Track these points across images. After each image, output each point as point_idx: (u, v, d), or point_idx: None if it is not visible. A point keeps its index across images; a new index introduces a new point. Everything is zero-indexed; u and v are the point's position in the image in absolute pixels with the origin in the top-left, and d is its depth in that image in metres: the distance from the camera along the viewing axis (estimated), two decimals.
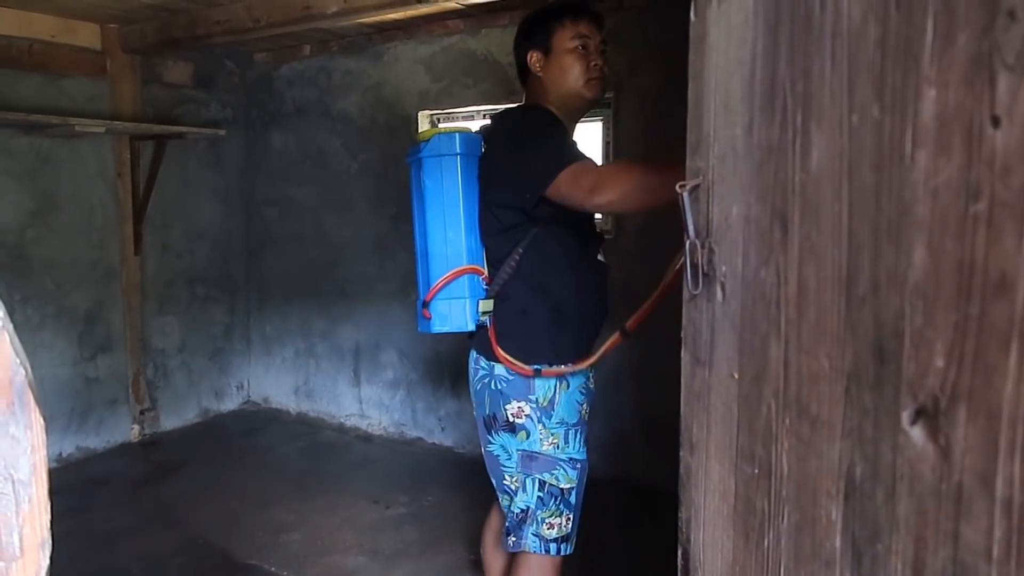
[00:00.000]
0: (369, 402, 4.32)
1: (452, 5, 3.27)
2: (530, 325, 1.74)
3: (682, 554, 1.01)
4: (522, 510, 1.76)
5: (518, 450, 1.75)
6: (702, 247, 0.93)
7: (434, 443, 4.09)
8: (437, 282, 1.73)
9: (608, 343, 1.63)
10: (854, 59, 0.62)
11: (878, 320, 0.60)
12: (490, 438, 1.80)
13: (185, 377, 4.43)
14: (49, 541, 0.65)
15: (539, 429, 1.73)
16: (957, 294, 0.51)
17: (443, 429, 4.08)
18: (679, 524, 1.02)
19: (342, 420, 4.43)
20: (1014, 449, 0.46)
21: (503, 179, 1.71)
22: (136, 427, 4.13)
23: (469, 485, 3.37)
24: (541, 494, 1.75)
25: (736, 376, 0.87)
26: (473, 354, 1.82)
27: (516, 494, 1.77)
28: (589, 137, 3.56)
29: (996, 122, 0.47)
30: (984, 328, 0.48)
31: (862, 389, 0.62)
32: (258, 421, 4.56)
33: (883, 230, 0.59)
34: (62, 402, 3.78)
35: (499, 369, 1.74)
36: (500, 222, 1.73)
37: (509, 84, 3.63)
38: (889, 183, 0.58)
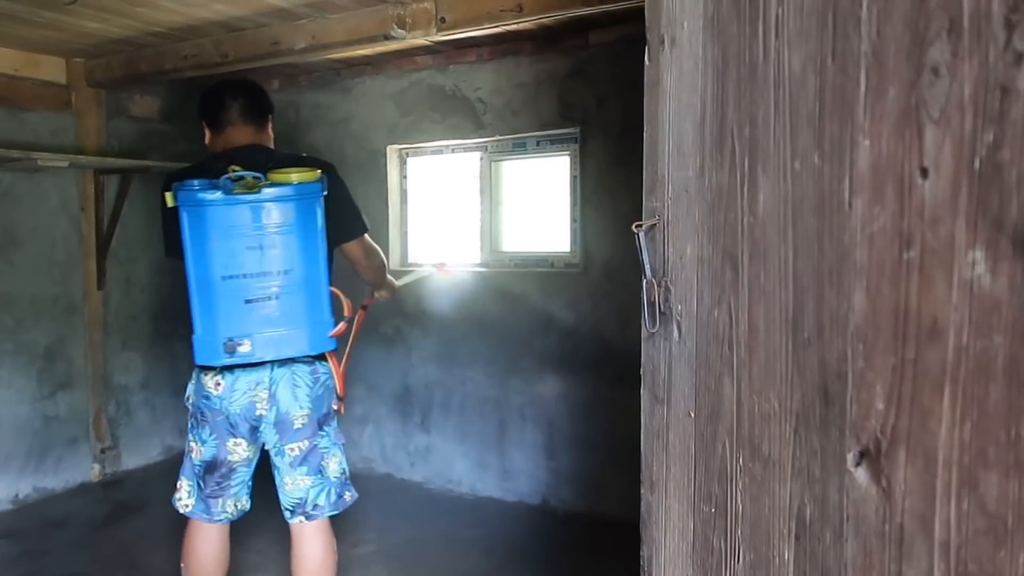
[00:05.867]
0: None
1: (420, 42, 3.30)
2: None
3: None
4: (343, 471, 2.22)
5: (335, 430, 2.19)
6: (659, 286, 0.94)
7: (403, 479, 4.04)
8: (347, 305, 2.23)
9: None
10: (795, 108, 0.64)
11: (823, 362, 0.61)
12: (321, 432, 2.14)
13: (148, 414, 4.33)
14: None
15: (336, 406, 2.20)
16: (894, 338, 0.52)
17: (412, 464, 4.03)
18: (641, 562, 1.02)
19: None
20: (950, 492, 0.47)
21: (342, 221, 2.16)
22: (97, 466, 4.02)
23: (439, 522, 3.33)
24: (346, 455, 2.25)
25: (693, 415, 0.87)
26: (309, 366, 2.10)
27: (328, 468, 2.17)
28: (557, 171, 3.60)
29: (924, 173, 0.49)
30: (919, 372, 0.49)
31: (810, 430, 0.63)
32: None
33: (825, 274, 0.60)
34: (19, 441, 3.67)
35: (326, 368, 2.12)
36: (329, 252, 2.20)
37: (477, 118, 3.67)
38: (830, 229, 0.59)
